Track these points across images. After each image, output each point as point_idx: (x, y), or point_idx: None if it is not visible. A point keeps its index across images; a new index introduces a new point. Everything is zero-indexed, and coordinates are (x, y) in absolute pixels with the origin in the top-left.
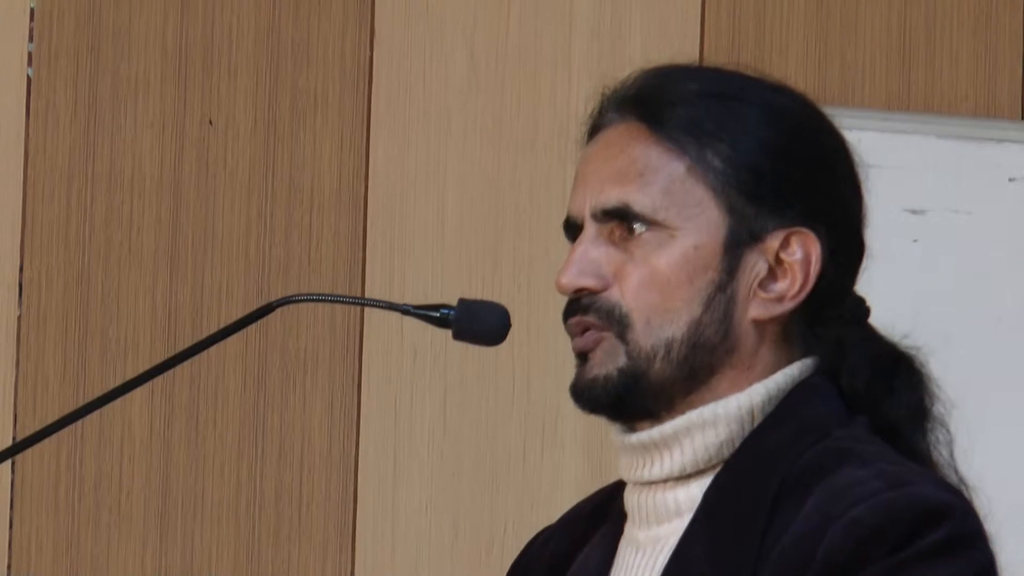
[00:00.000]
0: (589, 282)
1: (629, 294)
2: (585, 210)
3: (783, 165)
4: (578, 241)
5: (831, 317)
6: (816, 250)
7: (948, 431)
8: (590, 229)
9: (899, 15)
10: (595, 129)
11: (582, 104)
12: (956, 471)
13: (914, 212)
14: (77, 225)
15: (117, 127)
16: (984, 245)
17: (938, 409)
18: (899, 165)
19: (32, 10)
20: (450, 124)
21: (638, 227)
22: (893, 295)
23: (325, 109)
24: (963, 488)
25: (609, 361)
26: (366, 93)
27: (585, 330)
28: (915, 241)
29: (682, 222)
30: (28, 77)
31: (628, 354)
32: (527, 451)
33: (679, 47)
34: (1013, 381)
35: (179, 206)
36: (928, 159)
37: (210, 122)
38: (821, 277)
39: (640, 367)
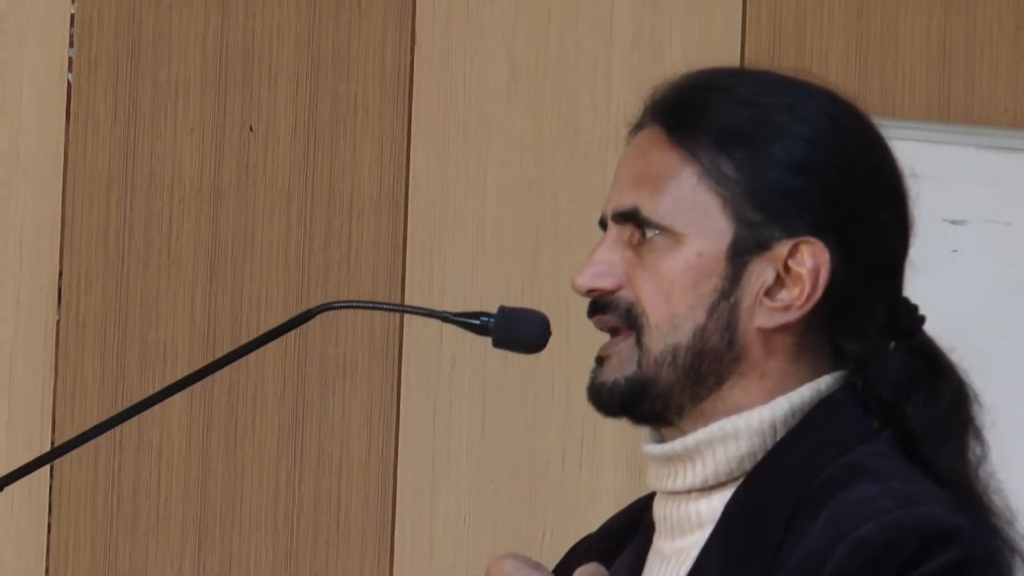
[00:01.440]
0: (601, 283)
1: (641, 296)
2: (608, 212)
3: (797, 175)
4: (597, 243)
5: (855, 329)
6: (825, 260)
7: (982, 445)
8: (611, 232)
9: (939, 26)
10: (634, 132)
11: (622, 111)
12: (985, 485)
13: (953, 222)
14: (116, 231)
15: (157, 133)
16: (1023, 255)
17: (974, 423)
18: (938, 176)
19: (72, 16)
20: (490, 131)
21: (649, 231)
22: (931, 305)
23: (365, 115)
24: (987, 505)
25: (619, 369)
26: (406, 100)
27: (610, 329)
28: (954, 251)
29: (688, 228)
30: (68, 83)
31: (639, 362)
32: (566, 460)
33: (720, 56)
34: None
35: (218, 212)
36: (967, 170)
37: (250, 128)
38: (833, 287)
39: (648, 375)
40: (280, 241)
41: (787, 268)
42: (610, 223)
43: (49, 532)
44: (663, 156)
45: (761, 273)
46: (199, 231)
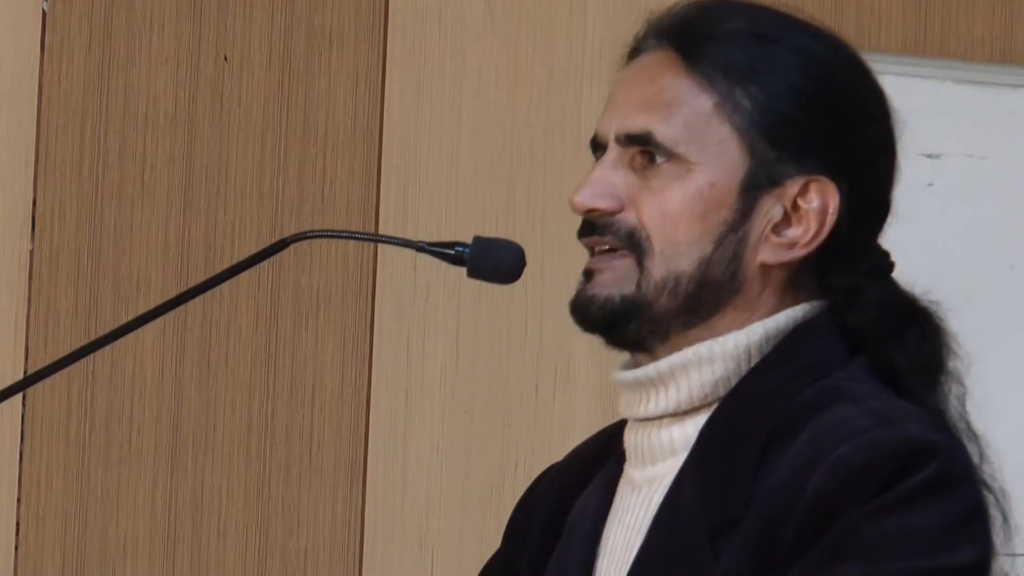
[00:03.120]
0: (603, 203)
1: (645, 221)
2: (611, 132)
3: (811, 114)
4: (598, 163)
5: (845, 269)
6: (834, 200)
7: (962, 385)
8: (612, 152)
9: None
10: (634, 53)
11: (597, 45)
12: (967, 423)
13: (929, 156)
14: (90, 161)
15: (132, 63)
16: (998, 190)
17: (953, 364)
18: (915, 110)
19: None
20: (465, 64)
21: (659, 158)
22: (906, 238)
23: (340, 47)
24: (964, 433)
25: (616, 285)
26: (382, 32)
27: (603, 251)
28: (930, 185)
29: (701, 158)
30: (43, 12)
31: (640, 283)
32: (539, 390)
33: None
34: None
35: (193, 143)
36: (943, 104)
37: (225, 59)
38: (837, 228)
39: (646, 298)
40: (254, 172)
41: (795, 206)
42: (611, 144)
43: (21, 462)
44: (677, 82)
45: (770, 209)
46: (173, 161)
